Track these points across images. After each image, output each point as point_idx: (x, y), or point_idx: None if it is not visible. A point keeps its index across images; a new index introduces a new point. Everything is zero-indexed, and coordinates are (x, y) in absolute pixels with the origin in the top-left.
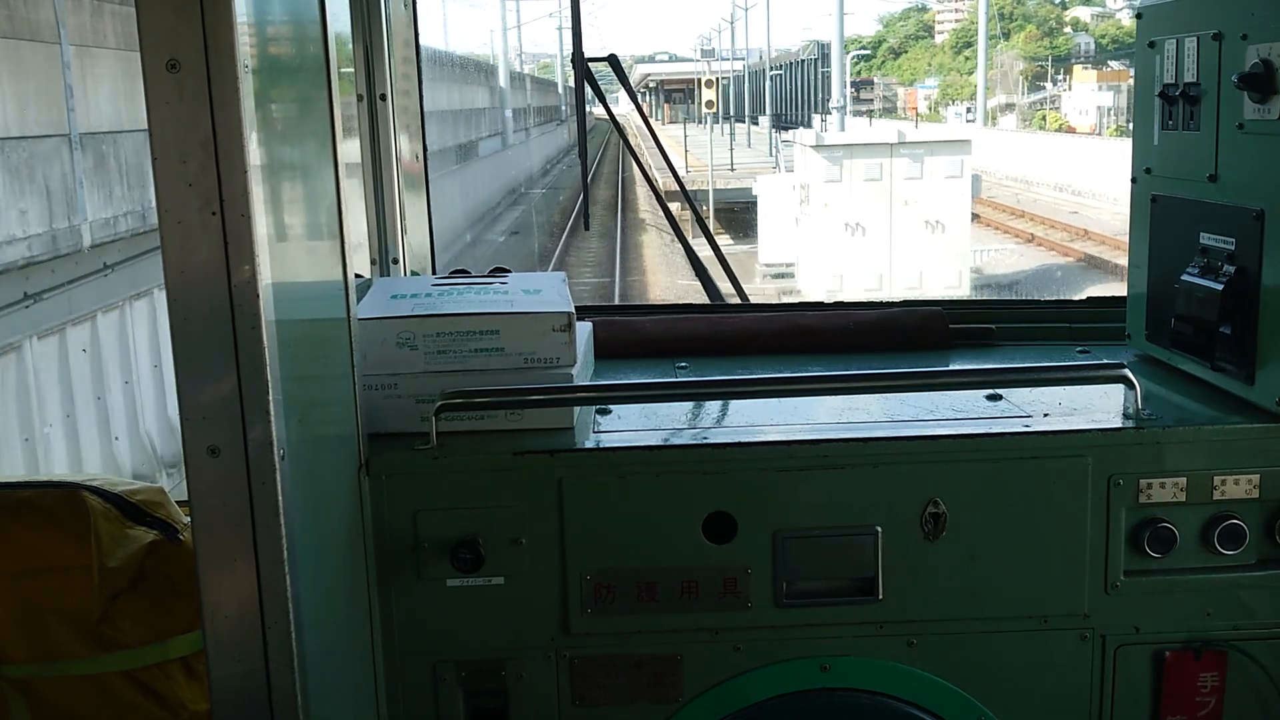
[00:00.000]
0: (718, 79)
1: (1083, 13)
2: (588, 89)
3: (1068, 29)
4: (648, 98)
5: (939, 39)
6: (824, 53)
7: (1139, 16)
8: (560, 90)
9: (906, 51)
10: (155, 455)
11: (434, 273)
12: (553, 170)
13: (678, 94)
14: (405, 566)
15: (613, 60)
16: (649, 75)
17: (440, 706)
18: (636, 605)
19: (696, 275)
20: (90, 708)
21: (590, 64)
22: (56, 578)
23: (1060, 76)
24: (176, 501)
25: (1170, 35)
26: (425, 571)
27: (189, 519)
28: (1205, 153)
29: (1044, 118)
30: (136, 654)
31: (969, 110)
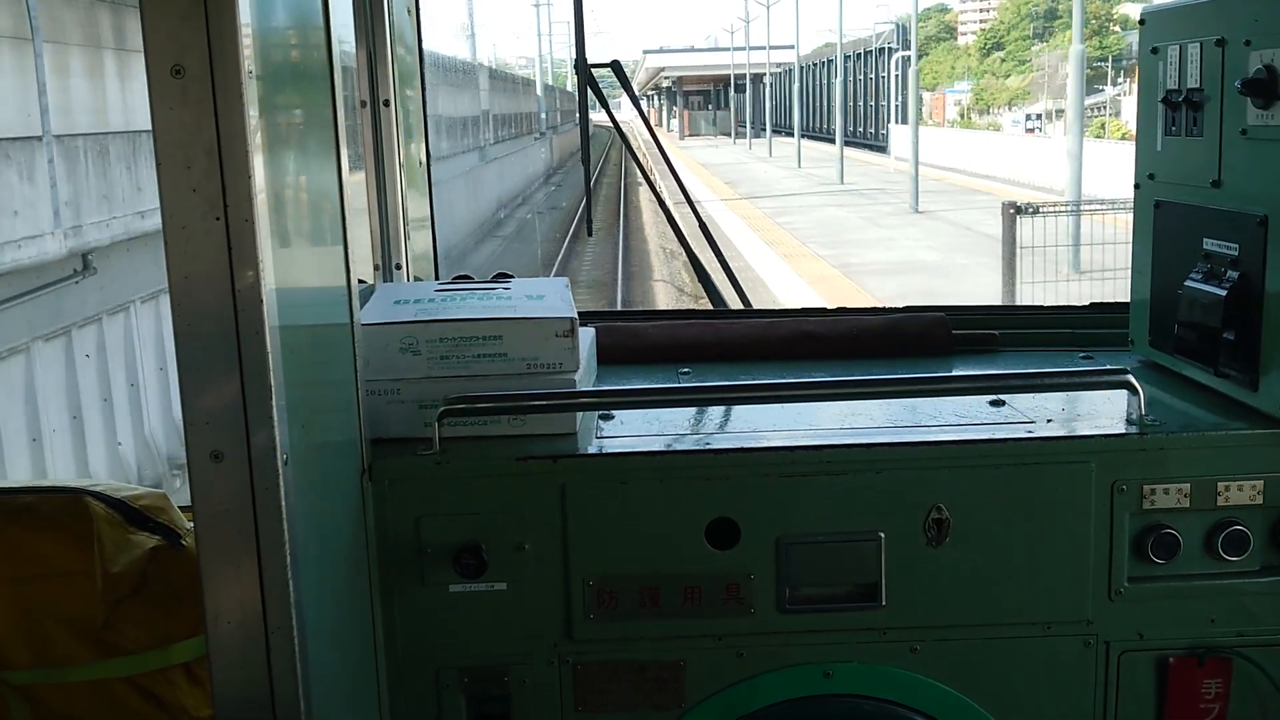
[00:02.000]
0: None
1: (1132, 9)
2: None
3: (1116, 28)
4: (657, 102)
5: (962, 40)
6: (906, 39)
7: (1142, 22)
8: (540, 91)
9: (927, 54)
10: None
11: (437, 278)
12: (506, 221)
13: (697, 97)
14: (408, 572)
15: (615, 66)
16: (663, 71)
17: (443, 712)
18: (639, 611)
19: (699, 280)
20: (92, 713)
21: (594, 69)
22: (59, 583)
23: (1121, 79)
24: (179, 506)
25: (1173, 41)
26: (428, 577)
27: (191, 524)
28: (1208, 158)
29: (1102, 125)
30: (139, 659)
31: (1030, 117)
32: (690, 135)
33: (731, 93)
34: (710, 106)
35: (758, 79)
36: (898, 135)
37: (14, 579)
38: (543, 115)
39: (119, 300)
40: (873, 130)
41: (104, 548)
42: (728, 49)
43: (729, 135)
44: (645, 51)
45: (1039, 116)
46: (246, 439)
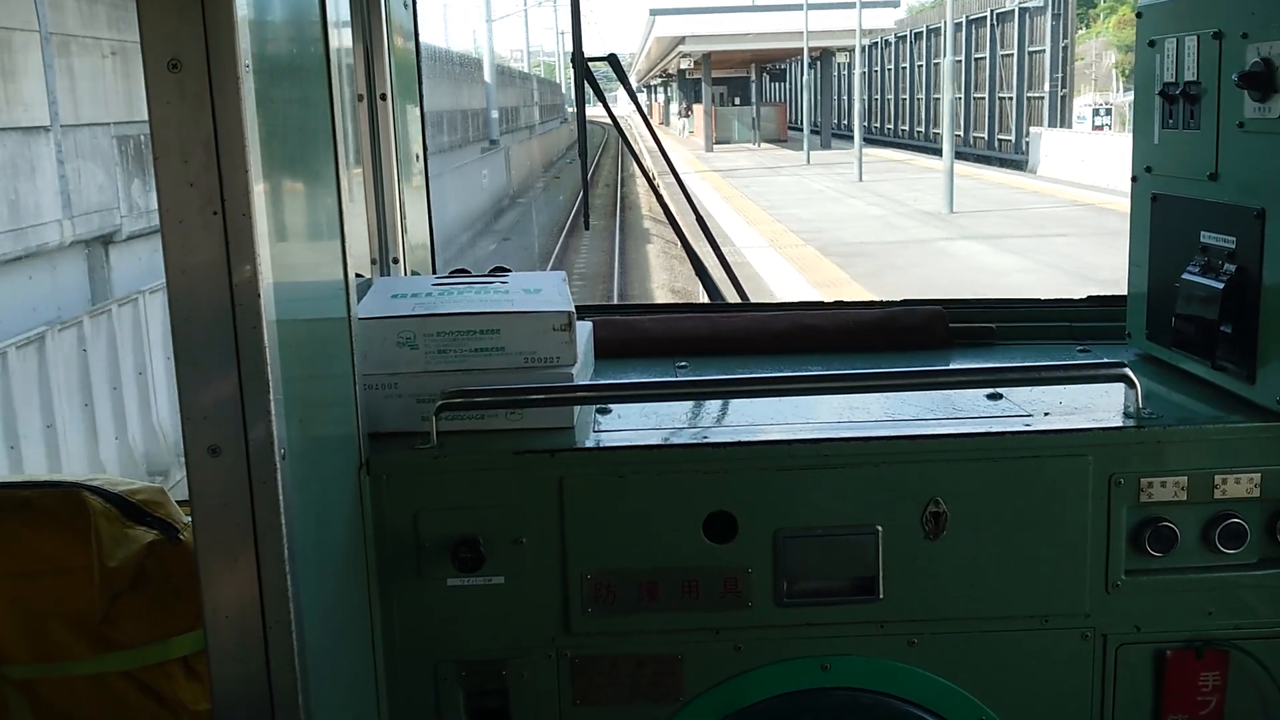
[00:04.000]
0: None
1: None
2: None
3: None
4: (664, 95)
5: None
6: None
7: (1139, 15)
8: (489, 77)
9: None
10: None
11: (434, 272)
12: None
13: (721, 87)
14: (406, 566)
15: (613, 60)
16: (683, 43)
17: (441, 706)
18: (637, 605)
19: (697, 274)
20: (91, 708)
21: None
22: (57, 578)
23: None
24: (177, 501)
25: (1170, 34)
26: (426, 571)
27: (189, 519)
28: (1206, 151)
29: None
30: (137, 654)
31: (1099, 112)
32: (718, 142)
33: (804, 73)
34: (738, 100)
35: (822, 59)
36: (1050, 145)
37: (11, 574)
38: (494, 114)
39: None
40: (983, 136)
41: (101, 542)
42: (795, 6)
43: (775, 143)
44: (654, 12)
45: (1107, 111)
46: (244, 434)
